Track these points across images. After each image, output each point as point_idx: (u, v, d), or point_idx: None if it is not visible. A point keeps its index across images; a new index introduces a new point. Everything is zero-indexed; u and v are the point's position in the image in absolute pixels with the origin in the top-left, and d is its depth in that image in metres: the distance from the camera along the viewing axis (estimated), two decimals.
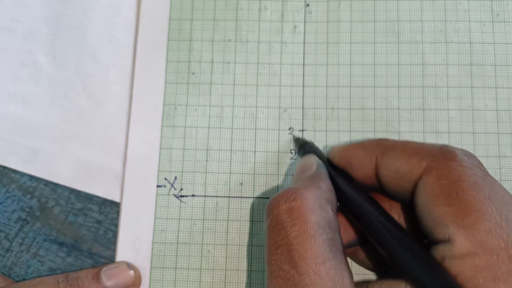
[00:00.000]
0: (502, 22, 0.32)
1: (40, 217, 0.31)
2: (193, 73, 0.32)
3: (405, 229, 0.22)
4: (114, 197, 0.31)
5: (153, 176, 0.31)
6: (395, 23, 0.32)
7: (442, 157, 0.21)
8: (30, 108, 0.33)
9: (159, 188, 0.31)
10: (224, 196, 0.31)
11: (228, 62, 0.32)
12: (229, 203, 0.30)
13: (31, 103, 0.33)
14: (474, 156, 0.22)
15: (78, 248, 0.31)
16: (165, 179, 0.31)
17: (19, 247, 0.31)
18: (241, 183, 0.31)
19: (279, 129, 0.31)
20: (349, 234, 0.24)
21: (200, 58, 0.32)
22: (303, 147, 0.29)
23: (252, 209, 0.30)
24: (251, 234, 0.30)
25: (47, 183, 0.32)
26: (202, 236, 0.30)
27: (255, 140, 0.31)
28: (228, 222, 0.30)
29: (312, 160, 0.25)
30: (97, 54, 0.33)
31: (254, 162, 0.31)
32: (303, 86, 0.32)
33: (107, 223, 0.31)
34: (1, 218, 0.31)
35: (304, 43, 0.32)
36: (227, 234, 0.30)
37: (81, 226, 0.31)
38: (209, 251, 0.30)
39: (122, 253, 0.30)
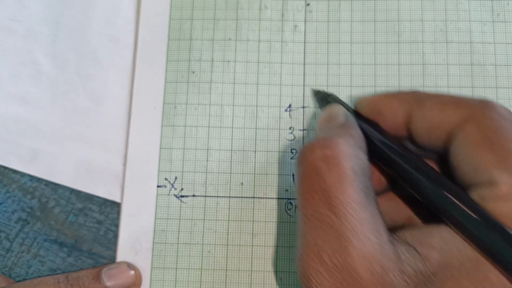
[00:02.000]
0: (502, 22, 0.31)
1: (41, 217, 0.31)
2: (193, 72, 0.32)
3: (441, 173, 0.22)
4: (115, 197, 0.31)
5: (153, 176, 0.31)
6: (396, 22, 0.32)
7: (482, 108, 0.21)
8: (30, 108, 0.32)
9: (159, 188, 0.31)
10: (224, 196, 0.31)
11: (229, 61, 0.32)
12: (229, 203, 0.30)
13: (31, 103, 0.33)
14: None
15: (79, 248, 0.31)
16: (166, 179, 0.31)
17: (19, 248, 0.31)
18: (242, 183, 0.31)
19: (279, 129, 0.31)
20: (378, 184, 0.24)
21: (200, 57, 0.32)
22: (325, 98, 0.28)
23: (253, 209, 0.30)
24: (252, 234, 0.30)
25: (48, 183, 0.31)
26: (203, 236, 0.30)
27: (256, 139, 0.31)
28: (228, 222, 0.30)
29: (338, 110, 0.25)
30: (97, 54, 0.33)
31: (255, 162, 0.31)
32: (304, 85, 0.32)
33: (107, 223, 0.31)
34: (2, 219, 0.31)
35: (304, 42, 0.32)
36: (227, 234, 0.30)
37: (81, 226, 0.31)
38: (209, 251, 0.30)
39: (123, 253, 0.30)
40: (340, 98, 0.29)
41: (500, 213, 0.19)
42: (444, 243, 0.20)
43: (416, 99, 0.23)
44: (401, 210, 0.24)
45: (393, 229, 0.21)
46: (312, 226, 0.20)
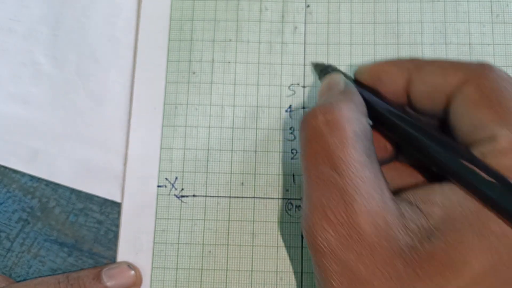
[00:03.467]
0: (501, 23, 0.32)
1: (41, 218, 0.31)
2: (194, 73, 0.32)
3: (444, 134, 0.22)
4: (115, 197, 0.31)
5: (153, 176, 0.31)
6: (395, 24, 0.32)
7: (481, 70, 0.21)
8: (30, 108, 0.32)
9: (159, 188, 0.31)
10: (225, 196, 0.31)
11: (229, 62, 0.32)
12: (230, 203, 0.30)
13: (31, 103, 0.32)
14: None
15: (79, 248, 0.31)
16: (166, 179, 0.31)
17: (20, 248, 0.31)
18: (242, 183, 0.31)
19: (280, 129, 0.31)
20: (381, 152, 0.25)
21: (201, 58, 0.32)
22: (325, 70, 0.28)
23: (253, 209, 0.30)
24: (253, 234, 0.30)
25: (48, 183, 0.31)
26: (203, 236, 0.30)
27: (256, 140, 0.31)
28: (229, 222, 0.30)
29: (339, 78, 0.25)
30: (97, 54, 0.33)
31: (255, 162, 0.31)
32: (304, 86, 0.32)
33: (108, 223, 0.31)
34: (2, 219, 0.31)
35: (304, 44, 0.32)
36: (228, 234, 0.30)
37: (82, 226, 0.31)
38: (210, 252, 0.30)
39: (123, 253, 0.30)
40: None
41: (501, 166, 0.19)
42: (445, 199, 0.20)
43: (415, 64, 0.24)
44: (404, 178, 0.25)
45: (395, 193, 0.22)
46: (316, 186, 0.21)
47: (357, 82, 0.25)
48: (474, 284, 0.18)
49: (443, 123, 0.23)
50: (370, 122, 0.23)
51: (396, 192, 0.22)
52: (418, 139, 0.22)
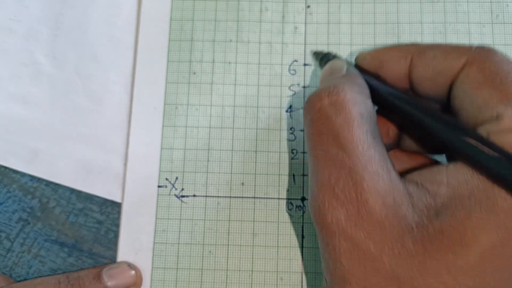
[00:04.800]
0: (501, 23, 0.32)
1: (41, 218, 0.31)
2: (194, 73, 0.32)
3: (448, 114, 0.22)
4: (115, 197, 0.31)
5: (154, 176, 0.31)
6: (395, 25, 0.32)
7: (483, 53, 0.22)
8: (30, 108, 0.32)
9: (160, 188, 0.31)
10: (225, 196, 0.31)
11: (229, 62, 0.32)
12: (230, 203, 0.30)
13: (31, 103, 0.32)
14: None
15: (79, 248, 0.31)
16: (166, 179, 0.31)
17: (20, 248, 0.31)
18: (243, 183, 0.31)
19: (280, 129, 0.31)
20: (384, 138, 0.25)
21: (201, 58, 0.32)
22: (326, 56, 0.28)
23: (254, 209, 0.30)
24: (253, 234, 0.30)
25: (48, 183, 0.31)
26: (203, 237, 0.30)
27: (257, 140, 0.31)
28: (229, 222, 0.30)
29: (340, 63, 0.26)
30: (97, 54, 0.33)
31: (256, 162, 0.31)
32: (304, 87, 0.32)
33: (108, 224, 0.31)
34: (2, 219, 0.31)
35: (305, 44, 0.32)
36: (228, 235, 0.30)
37: (82, 226, 0.31)
38: (210, 252, 0.30)
39: (123, 253, 0.30)
40: None
41: (507, 144, 0.19)
42: (452, 178, 0.20)
43: (417, 49, 0.24)
44: (405, 166, 0.25)
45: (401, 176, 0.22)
46: (324, 166, 0.21)
47: (358, 68, 0.25)
48: (483, 259, 0.18)
49: (445, 107, 0.24)
50: (372, 105, 0.23)
51: (401, 176, 0.22)
52: (424, 120, 0.22)
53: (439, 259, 0.19)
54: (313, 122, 0.22)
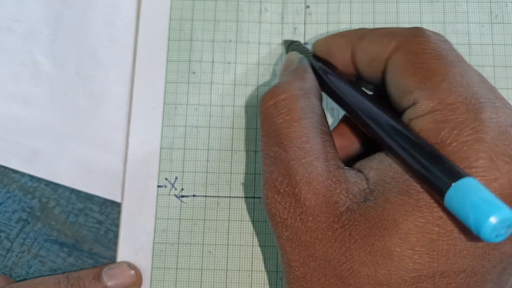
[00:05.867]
0: (501, 23, 0.32)
1: (41, 218, 0.31)
2: (194, 73, 0.32)
3: (378, 102, 0.23)
4: (115, 197, 0.31)
5: (153, 176, 0.31)
6: (395, 25, 0.32)
7: (410, 35, 0.22)
8: (30, 108, 0.32)
9: (159, 188, 0.31)
10: (225, 196, 0.31)
11: (229, 63, 0.32)
12: (230, 203, 0.30)
13: (31, 103, 0.32)
14: (444, 37, 0.23)
15: (79, 248, 0.31)
16: (166, 179, 0.31)
17: (20, 248, 0.31)
18: (242, 183, 0.31)
19: None
20: (349, 141, 0.26)
21: (200, 58, 0.32)
22: (290, 46, 0.29)
23: (253, 209, 0.30)
24: (252, 234, 0.30)
25: (48, 183, 0.31)
26: (203, 236, 0.30)
27: (256, 140, 0.31)
28: (229, 222, 0.30)
29: (294, 56, 0.27)
30: (97, 54, 0.33)
31: (255, 162, 0.31)
32: None
33: (108, 224, 0.31)
34: (2, 219, 0.31)
35: (304, 44, 0.32)
36: (228, 234, 0.30)
37: (82, 226, 0.31)
38: (210, 251, 0.30)
39: (123, 253, 0.30)
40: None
41: (421, 128, 0.20)
42: (380, 163, 0.21)
43: (358, 34, 0.24)
44: (354, 148, 0.26)
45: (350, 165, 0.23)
46: (268, 163, 0.23)
47: (315, 56, 0.26)
48: (401, 242, 0.19)
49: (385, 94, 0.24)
50: (318, 97, 0.24)
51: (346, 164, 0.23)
52: (354, 109, 0.23)
53: (362, 244, 0.20)
54: (261, 123, 0.24)
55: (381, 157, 0.22)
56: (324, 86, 0.25)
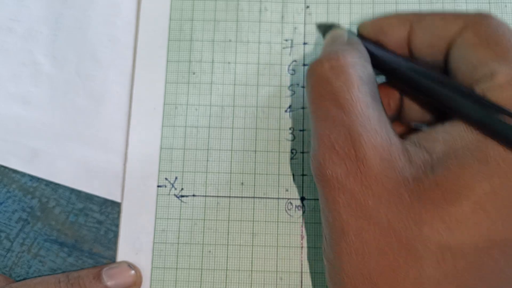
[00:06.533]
0: None
1: (41, 218, 0.31)
2: (194, 73, 0.32)
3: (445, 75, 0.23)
4: (115, 197, 0.31)
5: (153, 176, 0.31)
6: None
7: (479, 17, 0.22)
8: (30, 108, 0.32)
9: (159, 188, 0.31)
10: (225, 196, 0.31)
11: (229, 62, 0.32)
12: (230, 203, 0.31)
13: (31, 103, 0.32)
14: None
15: (79, 248, 0.31)
16: (166, 179, 0.31)
17: (20, 248, 0.31)
18: (242, 183, 0.31)
19: (280, 129, 0.31)
20: (387, 106, 0.26)
21: (200, 58, 0.32)
22: (329, 27, 0.29)
23: (253, 209, 0.30)
24: (252, 234, 0.30)
25: (48, 183, 0.31)
26: (203, 236, 0.30)
27: (256, 139, 0.31)
28: (229, 222, 0.30)
29: (342, 31, 0.26)
30: (97, 54, 0.33)
31: (255, 162, 0.31)
32: (304, 87, 0.32)
33: (108, 223, 0.31)
34: (2, 218, 0.31)
35: (304, 44, 0.32)
36: (228, 234, 0.30)
37: (82, 226, 0.31)
38: (210, 251, 0.30)
39: (123, 253, 0.30)
40: None
41: (500, 100, 0.20)
42: (446, 134, 0.21)
43: (416, 16, 0.24)
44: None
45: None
46: (324, 125, 0.22)
47: (360, 37, 0.26)
48: (476, 207, 0.19)
49: (442, 72, 0.24)
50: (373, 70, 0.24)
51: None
52: (421, 82, 0.23)
53: (433, 210, 0.19)
54: (314, 85, 0.23)
55: (446, 129, 0.21)
56: (379, 62, 0.25)
